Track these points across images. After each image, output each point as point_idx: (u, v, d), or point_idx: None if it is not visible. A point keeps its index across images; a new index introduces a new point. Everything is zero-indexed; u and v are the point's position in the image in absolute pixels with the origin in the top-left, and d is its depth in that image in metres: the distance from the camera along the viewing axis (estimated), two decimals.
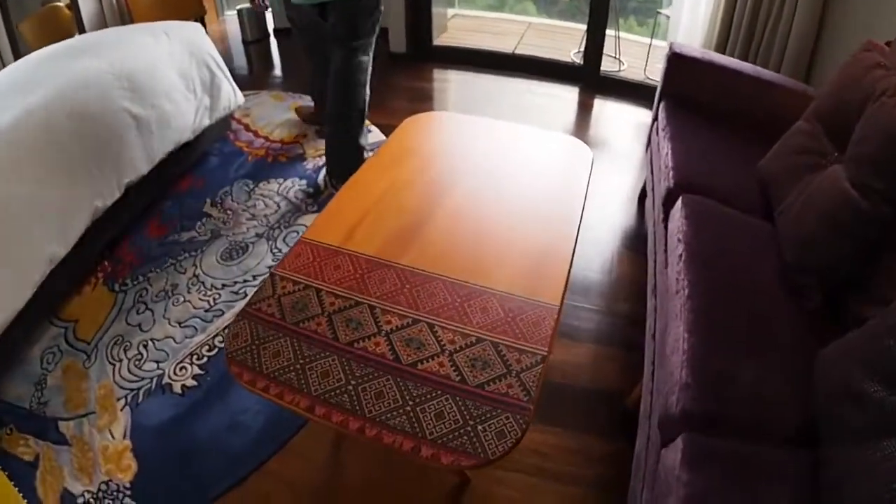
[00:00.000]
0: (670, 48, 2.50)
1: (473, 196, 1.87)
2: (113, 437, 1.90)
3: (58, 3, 5.71)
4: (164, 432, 1.90)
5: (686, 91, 2.48)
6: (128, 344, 2.25)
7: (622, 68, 3.88)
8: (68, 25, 5.63)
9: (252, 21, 4.94)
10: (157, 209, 2.87)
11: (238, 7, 5.03)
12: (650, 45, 3.95)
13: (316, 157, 2.98)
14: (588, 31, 3.59)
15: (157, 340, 2.23)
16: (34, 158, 2.23)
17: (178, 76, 2.85)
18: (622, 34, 4.03)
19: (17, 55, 4.99)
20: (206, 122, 3.00)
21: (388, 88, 3.65)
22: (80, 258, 2.48)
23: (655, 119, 2.58)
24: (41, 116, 2.30)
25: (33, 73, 2.74)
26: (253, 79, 4.37)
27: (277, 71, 4.58)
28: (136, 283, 2.50)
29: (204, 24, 4.63)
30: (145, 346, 2.22)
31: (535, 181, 1.97)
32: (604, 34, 3.58)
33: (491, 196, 1.89)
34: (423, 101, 3.51)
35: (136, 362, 2.17)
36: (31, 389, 2.22)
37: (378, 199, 1.83)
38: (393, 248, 1.60)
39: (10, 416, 2.16)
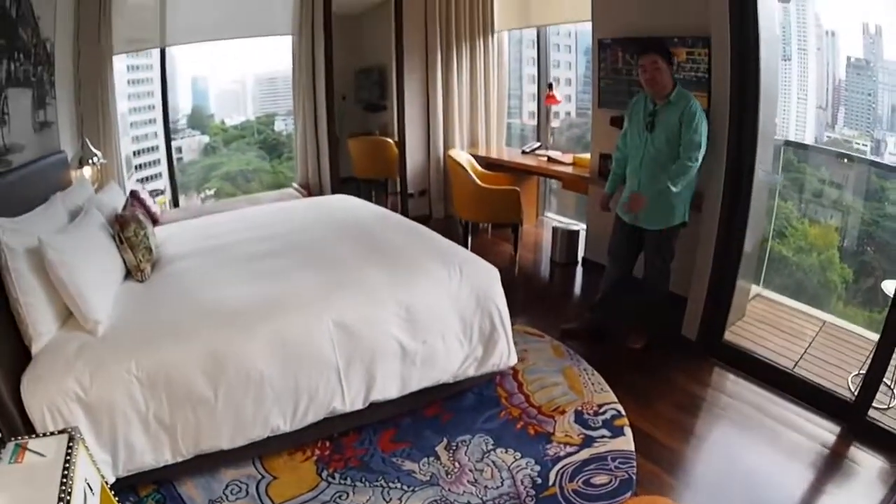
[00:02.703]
0: None
1: None
2: None
3: (388, 140, 6.63)
4: None
5: None
6: None
7: (891, 403, 3.36)
8: (390, 162, 6.54)
9: (564, 243, 5.26)
10: (397, 422, 3.02)
11: (554, 225, 5.39)
12: None
13: (560, 444, 2.87)
14: (875, 353, 3.15)
15: None
16: (290, 347, 2.58)
17: (458, 319, 3.00)
18: None
19: (335, 160, 5.96)
20: (471, 372, 3.08)
21: (660, 380, 3.52)
22: (302, 435, 2.75)
23: None
24: (310, 313, 2.67)
25: (322, 250, 3.29)
26: (546, 302, 4.59)
27: (574, 301, 4.78)
28: (343, 482, 2.65)
29: (520, 224, 5.03)
30: None
31: None
32: (888, 358, 3.13)
33: None
34: (689, 411, 3.25)
35: None
36: (205, 501, 2.50)
37: None
38: None
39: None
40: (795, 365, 3.69)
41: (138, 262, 3.10)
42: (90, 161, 4.67)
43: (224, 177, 8.85)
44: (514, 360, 3.24)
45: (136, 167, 7.00)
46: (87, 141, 4.73)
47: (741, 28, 3.35)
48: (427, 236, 3.61)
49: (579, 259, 5.29)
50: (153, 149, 6.92)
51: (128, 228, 3.11)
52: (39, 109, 3.72)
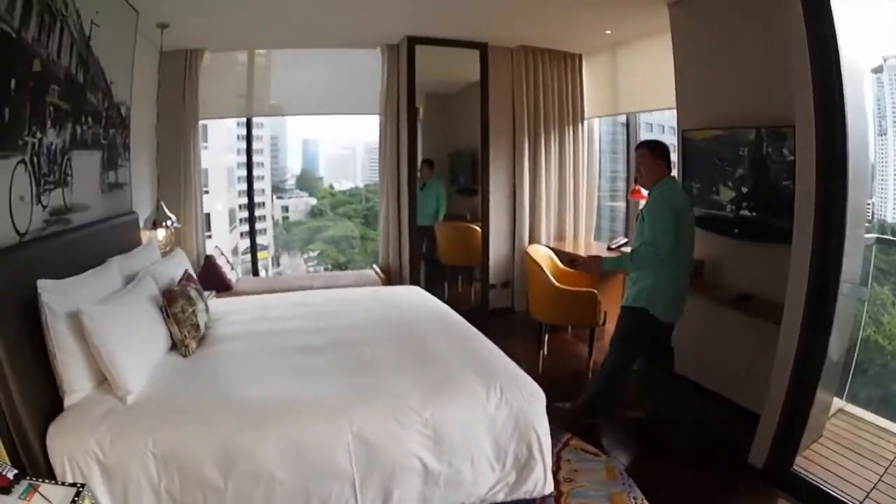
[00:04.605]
0: None
1: None
2: None
3: (475, 227, 6.64)
4: None
5: None
6: None
7: None
8: (475, 249, 6.57)
9: None
10: None
11: None
12: None
13: None
14: None
15: None
16: (304, 453, 2.55)
17: (491, 443, 2.79)
18: None
19: (413, 240, 6.12)
20: (501, 497, 2.83)
21: None
22: None
23: None
24: (330, 422, 2.63)
25: (364, 352, 3.28)
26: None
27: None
28: None
29: (597, 326, 4.91)
30: None
31: None
32: None
33: None
34: None
35: None
36: None
37: None
38: None
39: None
40: (867, 497, 3.35)
41: (183, 338, 3.23)
42: (164, 224, 4.86)
43: (328, 240, 9.20)
44: (549, 489, 2.96)
45: (239, 221, 7.40)
46: (163, 204, 4.94)
47: (826, 110, 3.12)
48: (479, 346, 3.45)
49: None
50: (261, 205, 7.25)
51: (175, 304, 3.26)
52: (109, 171, 3.96)
